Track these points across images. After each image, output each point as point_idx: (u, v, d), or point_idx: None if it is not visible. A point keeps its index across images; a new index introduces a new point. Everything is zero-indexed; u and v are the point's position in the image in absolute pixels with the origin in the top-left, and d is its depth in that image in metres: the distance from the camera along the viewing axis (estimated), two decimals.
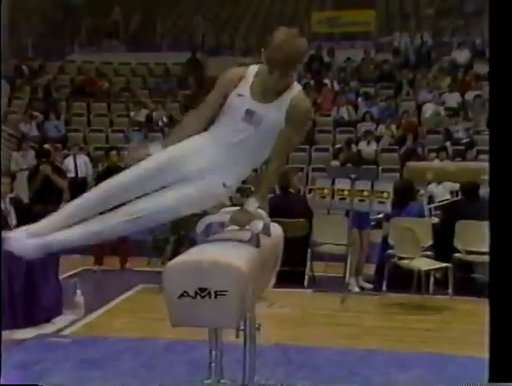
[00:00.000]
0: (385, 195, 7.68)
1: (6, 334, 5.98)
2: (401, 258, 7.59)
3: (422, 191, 10.30)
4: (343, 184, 7.74)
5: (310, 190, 11.35)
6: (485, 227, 8.43)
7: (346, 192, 7.70)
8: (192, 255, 3.10)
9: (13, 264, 6.28)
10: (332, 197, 7.85)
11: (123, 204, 3.15)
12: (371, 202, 7.66)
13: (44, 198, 9.08)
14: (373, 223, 8.63)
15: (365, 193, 7.65)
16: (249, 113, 3.19)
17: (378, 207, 7.89)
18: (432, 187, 10.99)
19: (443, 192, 10.87)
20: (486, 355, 4.89)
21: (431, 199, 10.72)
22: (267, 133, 3.20)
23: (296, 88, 3.33)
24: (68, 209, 3.23)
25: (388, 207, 7.82)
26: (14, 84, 17.58)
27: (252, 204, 3.21)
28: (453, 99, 15.46)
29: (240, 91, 3.22)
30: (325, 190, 7.97)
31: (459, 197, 9.46)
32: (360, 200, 7.67)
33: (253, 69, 3.28)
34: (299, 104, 3.26)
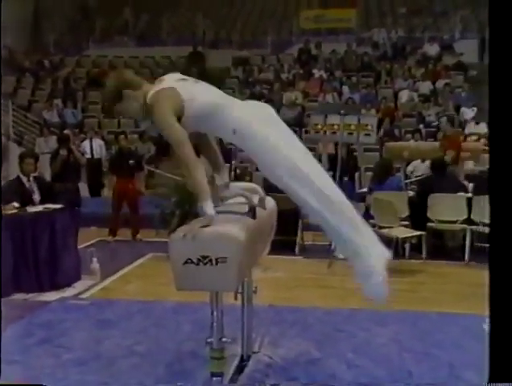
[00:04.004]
0: (369, 127, 7.36)
1: (32, 296, 6.02)
2: (381, 227, 7.56)
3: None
4: (334, 120, 7.42)
5: (306, 132, 11.01)
6: (454, 199, 8.46)
7: (336, 126, 7.40)
8: (194, 226, 3.04)
9: (36, 236, 6.26)
10: (325, 132, 7.57)
11: None
12: (358, 134, 7.34)
13: (64, 177, 9.04)
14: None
15: (352, 127, 7.35)
16: None
17: (364, 139, 7.54)
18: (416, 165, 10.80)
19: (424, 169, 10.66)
20: (453, 311, 4.87)
21: (407, 175, 10.62)
22: None
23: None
24: None
25: (373, 139, 7.50)
26: (37, 76, 17.45)
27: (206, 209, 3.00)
28: (425, 87, 15.41)
29: None
30: (319, 126, 7.69)
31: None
32: (348, 133, 7.37)
33: None
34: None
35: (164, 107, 3.02)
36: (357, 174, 11.31)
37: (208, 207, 2.96)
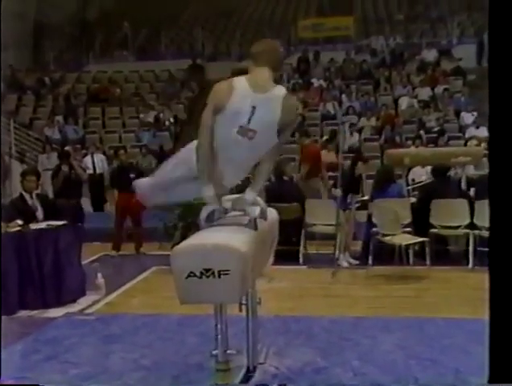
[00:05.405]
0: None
1: (38, 313, 6.02)
2: (384, 235, 7.55)
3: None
4: None
5: None
6: (456, 204, 8.45)
7: None
8: (196, 239, 3.06)
9: (40, 253, 6.27)
10: None
11: None
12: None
13: (66, 193, 9.08)
14: (358, 205, 8.58)
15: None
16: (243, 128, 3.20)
17: None
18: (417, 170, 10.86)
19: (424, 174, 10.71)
20: (459, 316, 4.87)
21: (408, 182, 10.63)
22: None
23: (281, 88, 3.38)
24: None
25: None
26: (38, 94, 17.50)
27: (249, 195, 3.30)
28: (425, 92, 15.44)
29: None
30: None
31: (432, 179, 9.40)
32: None
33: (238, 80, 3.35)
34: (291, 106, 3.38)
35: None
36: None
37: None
